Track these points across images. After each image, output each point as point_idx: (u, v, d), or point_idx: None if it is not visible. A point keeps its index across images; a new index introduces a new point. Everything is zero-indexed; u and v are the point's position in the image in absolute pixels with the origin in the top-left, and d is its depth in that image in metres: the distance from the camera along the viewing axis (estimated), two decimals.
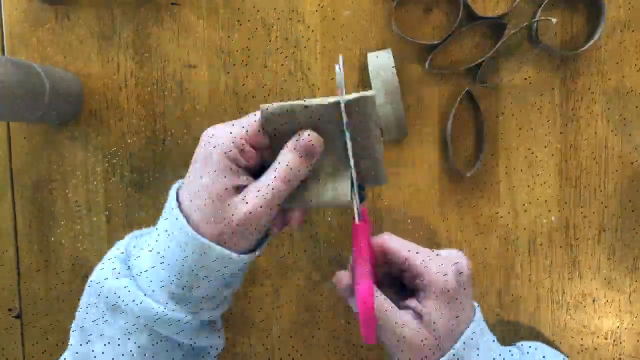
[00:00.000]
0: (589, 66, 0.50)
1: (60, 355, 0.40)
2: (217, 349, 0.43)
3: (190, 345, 0.40)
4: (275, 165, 0.36)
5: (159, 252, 0.37)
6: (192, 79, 0.51)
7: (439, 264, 0.37)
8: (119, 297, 0.37)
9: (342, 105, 0.35)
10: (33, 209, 0.52)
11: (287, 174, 0.36)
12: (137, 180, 0.52)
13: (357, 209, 0.38)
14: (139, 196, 0.52)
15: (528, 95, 0.50)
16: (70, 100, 0.49)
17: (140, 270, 0.37)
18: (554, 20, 0.45)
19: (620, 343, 0.52)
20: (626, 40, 0.49)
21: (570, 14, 0.50)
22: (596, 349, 0.52)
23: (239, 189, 0.36)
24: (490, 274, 0.52)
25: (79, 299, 0.53)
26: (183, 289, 0.37)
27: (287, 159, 0.36)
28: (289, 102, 0.36)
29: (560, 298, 0.51)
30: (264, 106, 0.36)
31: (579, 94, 0.50)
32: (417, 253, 0.38)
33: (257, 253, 0.39)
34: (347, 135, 0.36)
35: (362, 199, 0.38)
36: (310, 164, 0.37)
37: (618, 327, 0.51)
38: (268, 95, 0.51)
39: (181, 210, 0.36)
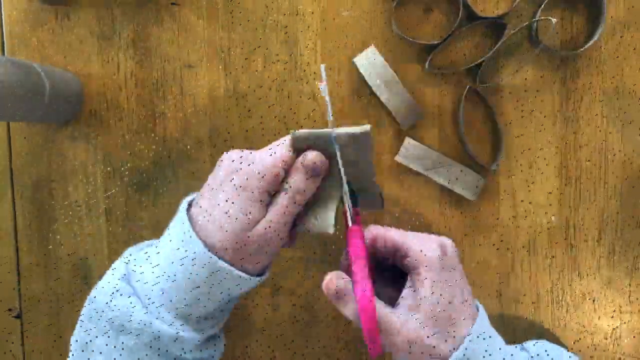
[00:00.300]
0: (589, 66, 0.50)
1: (60, 355, 0.40)
2: (218, 357, 0.43)
3: (194, 358, 0.40)
4: (285, 185, 0.37)
5: (165, 272, 0.37)
6: (192, 79, 0.51)
7: (423, 241, 0.38)
8: (123, 316, 0.37)
9: (333, 136, 0.37)
10: (33, 209, 0.52)
11: (295, 193, 0.37)
12: (137, 180, 0.52)
13: (350, 212, 0.38)
14: (139, 196, 0.52)
15: (528, 95, 0.50)
16: (70, 100, 0.49)
17: (145, 289, 0.37)
18: (553, 20, 0.46)
19: (620, 343, 0.52)
20: (626, 40, 0.49)
21: (570, 14, 0.50)
22: (596, 349, 0.52)
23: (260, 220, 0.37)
24: (490, 274, 0.52)
25: (79, 299, 0.53)
26: (189, 307, 0.37)
27: (294, 179, 0.37)
28: (317, 130, 0.38)
29: (560, 298, 0.51)
30: (294, 132, 0.38)
31: (579, 94, 0.50)
32: (404, 236, 0.38)
33: (267, 274, 0.40)
34: (338, 155, 0.38)
35: (355, 203, 0.39)
36: (316, 183, 0.38)
37: (618, 327, 0.51)
38: (268, 95, 0.51)
39: (193, 227, 0.37)
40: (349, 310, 0.37)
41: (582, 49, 0.48)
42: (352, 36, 0.50)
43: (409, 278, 0.37)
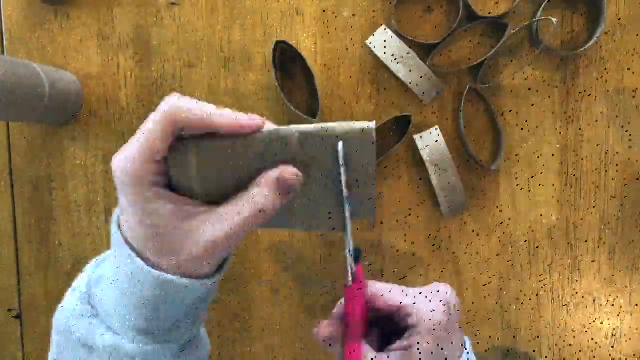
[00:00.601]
0: (589, 66, 0.50)
1: None
2: (205, 354, 0.41)
3: None
4: (249, 195, 0.33)
5: (117, 290, 0.35)
6: (192, 78, 0.51)
7: (428, 301, 0.36)
8: (90, 338, 0.35)
9: (340, 148, 0.33)
10: (33, 209, 0.52)
11: (261, 208, 0.33)
12: None
13: (352, 270, 0.36)
14: None
15: (528, 95, 0.50)
16: (70, 100, 0.49)
17: (104, 309, 0.35)
18: (554, 20, 0.45)
19: (620, 343, 0.52)
20: (626, 40, 0.49)
21: (571, 14, 0.50)
22: (596, 349, 0.52)
23: (178, 211, 0.33)
24: (490, 274, 0.52)
25: None
26: (150, 321, 0.35)
27: (262, 192, 0.33)
28: (281, 127, 0.33)
29: (560, 298, 0.51)
30: (270, 127, 0.33)
31: (579, 94, 0.50)
32: (406, 294, 0.37)
33: (218, 277, 0.36)
34: (343, 177, 0.34)
35: (357, 258, 0.36)
36: (286, 200, 0.34)
37: (618, 327, 0.51)
38: (268, 94, 0.51)
39: (128, 243, 0.34)
40: (336, 355, 0.36)
41: (582, 49, 0.48)
42: (352, 36, 0.50)
43: (407, 334, 0.37)
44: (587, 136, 0.50)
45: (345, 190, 0.34)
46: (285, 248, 0.52)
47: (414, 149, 0.50)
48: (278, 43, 0.48)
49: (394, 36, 0.48)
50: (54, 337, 0.37)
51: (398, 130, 0.51)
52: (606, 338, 0.52)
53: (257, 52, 0.51)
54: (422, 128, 0.51)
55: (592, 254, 0.51)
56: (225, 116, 0.33)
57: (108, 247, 0.54)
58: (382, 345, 0.37)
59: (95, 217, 0.52)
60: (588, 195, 0.51)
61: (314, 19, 0.50)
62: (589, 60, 0.50)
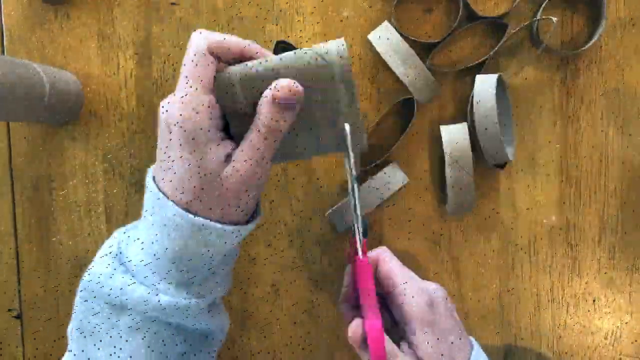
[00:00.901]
0: (589, 66, 0.50)
1: (60, 355, 0.39)
2: (222, 331, 0.41)
3: (197, 329, 0.38)
4: (256, 120, 0.33)
5: (152, 242, 0.35)
6: None
7: (414, 293, 0.38)
8: (121, 295, 0.35)
9: (347, 129, 0.34)
10: (33, 209, 0.52)
11: (269, 129, 0.33)
12: (137, 180, 0.52)
13: (360, 243, 0.36)
14: (139, 196, 0.52)
15: (528, 95, 0.50)
16: (70, 100, 0.49)
17: (137, 265, 0.36)
18: (554, 19, 0.45)
19: (620, 343, 0.52)
20: (626, 40, 0.49)
21: (571, 13, 0.50)
22: (596, 349, 0.52)
23: (228, 156, 0.34)
24: (490, 274, 0.52)
25: None
26: (184, 273, 0.35)
27: (266, 112, 0.33)
28: (256, 62, 0.34)
29: (560, 298, 0.51)
30: (224, 72, 0.33)
31: (579, 94, 0.50)
32: (405, 282, 0.38)
33: (257, 221, 0.37)
34: (352, 160, 0.34)
35: (365, 232, 0.37)
36: (293, 115, 0.34)
37: (618, 327, 0.51)
38: None
39: (164, 194, 0.34)
40: (362, 351, 0.37)
41: (582, 49, 0.48)
42: (352, 36, 0.50)
43: (402, 326, 0.38)
44: (587, 136, 0.50)
45: (353, 170, 0.35)
46: (285, 248, 0.52)
47: (414, 144, 0.50)
48: (279, 43, 0.48)
49: (396, 33, 0.48)
50: (78, 305, 0.37)
51: (400, 122, 0.51)
52: (606, 338, 0.52)
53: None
54: (422, 128, 0.51)
55: (592, 254, 0.51)
56: (248, 42, 0.35)
57: None
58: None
59: (95, 217, 0.52)
60: (588, 195, 0.51)
61: (314, 19, 0.50)
62: (589, 60, 0.50)
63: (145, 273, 0.36)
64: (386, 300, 0.40)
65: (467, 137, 0.46)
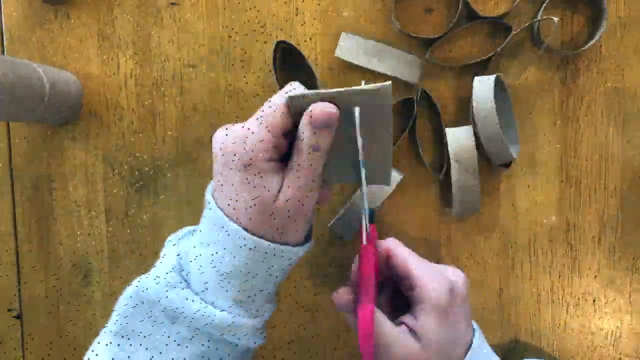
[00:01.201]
0: (589, 66, 0.50)
1: (61, 356, 0.39)
2: (260, 343, 0.43)
3: (244, 346, 0.39)
4: (296, 144, 0.35)
5: (212, 260, 0.36)
6: (192, 79, 0.51)
7: (435, 279, 0.37)
8: (179, 307, 0.36)
9: (357, 112, 0.35)
10: (33, 209, 0.52)
11: (307, 150, 0.35)
12: (137, 180, 0.52)
13: (367, 229, 0.37)
14: (139, 196, 0.52)
15: (528, 95, 0.50)
16: (70, 100, 0.49)
17: (198, 280, 0.37)
18: (555, 19, 0.45)
19: (620, 343, 0.52)
20: (626, 40, 0.49)
21: (571, 13, 0.50)
22: (596, 349, 0.52)
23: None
24: (490, 274, 0.52)
25: (79, 299, 0.53)
26: (242, 292, 0.37)
27: (304, 134, 0.35)
28: (313, 91, 0.35)
29: (560, 298, 0.51)
30: (290, 94, 0.35)
31: (579, 94, 0.50)
32: (419, 264, 0.38)
33: (311, 242, 0.39)
34: (359, 140, 0.35)
35: (371, 218, 0.38)
36: (329, 136, 0.35)
37: (618, 327, 0.51)
38: (268, 95, 0.51)
39: (224, 212, 0.36)
40: (351, 321, 0.38)
41: (582, 49, 0.48)
42: None
43: (413, 307, 0.37)
44: (587, 136, 0.50)
45: (360, 152, 0.36)
46: None
47: (414, 144, 0.50)
48: (279, 43, 0.48)
49: (357, 37, 0.48)
50: (124, 309, 0.38)
51: (401, 122, 0.51)
52: (606, 338, 0.52)
53: (257, 52, 0.51)
54: (422, 128, 0.51)
55: (592, 254, 0.51)
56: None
57: (108, 247, 0.54)
58: (390, 312, 0.38)
59: (95, 217, 0.52)
60: (588, 195, 0.51)
61: (314, 19, 0.50)
62: (589, 60, 0.50)
63: (204, 289, 0.37)
64: (400, 287, 0.40)
65: (473, 139, 0.46)
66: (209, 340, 0.37)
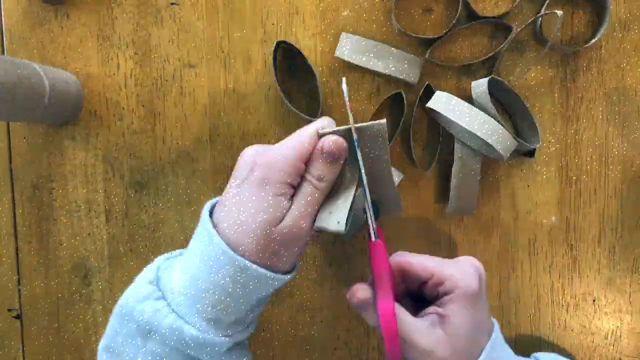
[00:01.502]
0: (589, 66, 0.50)
1: (61, 356, 0.39)
2: None
3: None
4: (306, 175, 0.37)
5: (193, 275, 0.36)
6: (192, 78, 0.51)
7: (462, 269, 0.38)
8: (152, 320, 0.36)
9: (353, 129, 0.37)
10: (33, 209, 0.52)
11: (317, 181, 0.37)
12: (137, 180, 0.52)
13: (372, 226, 0.37)
14: (139, 196, 0.52)
15: (528, 95, 0.50)
16: (70, 100, 0.49)
17: (173, 294, 0.37)
18: (559, 12, 0.45)
19: (620, 343, 0.52)
20: (626, 40, 0.49)
21: (572, 12, 0.49)
22: (596, 349, 0.52)
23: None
24: (490, 274, 0.52)
25: (79, 299, 0.53)
26: (218, 311, 0.36)
27: (315, 166, 0.37)
28: (338, 128, 0.38)
29: (560, 298, 0.51)
30: (322, 130, 0.38)
31: (579, 93, 0.50)
32: (440, 263, 0.38)
33: (295, 271, 0.39)
34: (359, 153, 0.37)
35: (376, 213, 0.38)
36: (337, 168, 0.37)
37: (618, 327, 0.51)
38: (268, 95, 0.51)
39: (217, 231, 0.36)
40: (371, 319, 0.37)
41: (587, 45, 0.48)
42: None
43: (440, 300, 0.37)
44: (587, 136, 0.50)
45: (359, 155, 0.37)
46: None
47: (412, 142, 0.50)
48: (279, 43, 0.48)
49: (357, 37, 0.48)
50: (111, 323, 0.38)
51: (394, 120, 0.51)
52: (606, 338, 0.52)
53: (257, 52, 0.51)
54: (420, 125, 0.51)
55: (592, 254, 0.51)
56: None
57: (108, 247, 0.54)
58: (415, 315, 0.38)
59: (95, 217, 0.52)
60: (588, 195, 0.51)
61: (314, 19, 0.50)
62: (589, 60, 0.50)
63: (180, 302, 0.36)
64: (423, 292, 0.40)
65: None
66: (180, 358, 0.36)
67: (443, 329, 0.36)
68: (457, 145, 0.47)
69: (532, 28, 0.49)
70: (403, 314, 0.36)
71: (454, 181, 0.47)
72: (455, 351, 0.36)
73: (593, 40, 0.48)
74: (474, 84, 0.47)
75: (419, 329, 0.36)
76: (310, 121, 0.49)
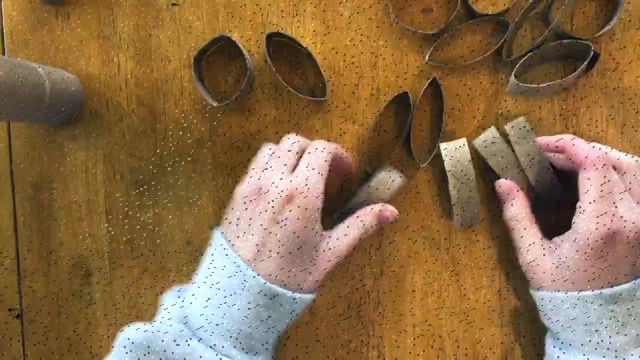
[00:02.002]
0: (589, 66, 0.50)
1: (61, 356, 0.39)
2: None
3: None
4: (353, 220, 0.41)
5: (220, 306, 0.36)
6: (192, 79, 0.51)
7: (593, 214, 0.39)
8: (186, 356, 0.35)
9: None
10: (33, 209, 0.52)
11: (364, 231, 0.41)
12: (137, 180, 0.52)
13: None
14: (139, 196, 0.52)
15: (528, 95, 0.50)
16: (70, 100, 0.49)
17: (205, 328, 0.36)
18: None
19: None
20: (626, 40, 0.49)
21: (577, 8, 0.49)
22: None
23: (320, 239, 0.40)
24: (490, 274, 0.52)
25: (79, 299, 0.53)
26: (253, 339, 0.36)
27: (367, 221, 0.41)
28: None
29: None
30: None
31: (579, 94, 0.50)
32: (595, 168, 0.41)
33: (315, 294, 0.41)
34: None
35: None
36: (378, 227, 0.43)
37: None
38: (268, 95, 0.51)
39: (241, 257, 0.37)
40: (509, 209, 0.45)
41: (599, 33, 0.47)
42: (352, 36, 0.50)
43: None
44: (587, 136, 0.50)
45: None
46: None
47: (413, 144, 0.50)
48: (271, 35, 0.48)
49: (500, 140, 0.47)
50: (119, 353, 0.35)
51: (398, 120, 0.51)
52: None
53: (257, 52, 0.51)
54: (422, 128, 0.51)
55: None
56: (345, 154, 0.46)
57: (108, 247, 0.54)
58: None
59: (96, 217, 0.52)
60: None
61: (314, 18, 0.50)
62: None
63: (213, 337, 0.36)
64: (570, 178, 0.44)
65: (468, 153, 0.46)
66: None
67: (553, 260, 0.43)
68: (446, 162, 0.47)
69: (541, 20, 0.49)
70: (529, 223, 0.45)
71: (452, 198, 0.47)
72: (560, 278, 0.41)
73: (606, 29, 0.47)
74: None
75: (531, 243, 0.45)
76: (318, 102, 0.50)
